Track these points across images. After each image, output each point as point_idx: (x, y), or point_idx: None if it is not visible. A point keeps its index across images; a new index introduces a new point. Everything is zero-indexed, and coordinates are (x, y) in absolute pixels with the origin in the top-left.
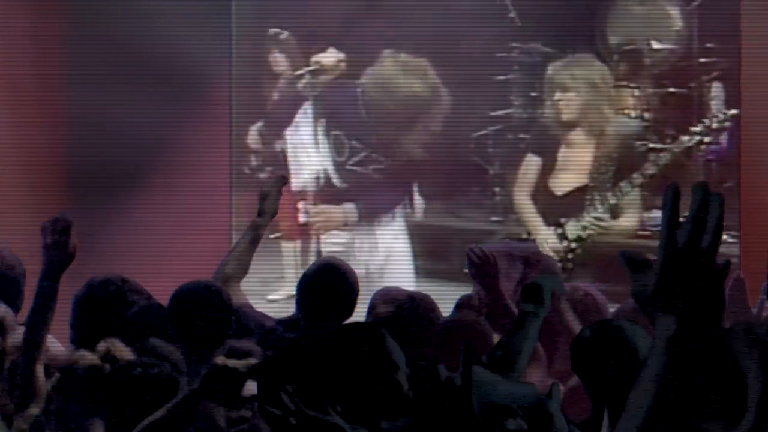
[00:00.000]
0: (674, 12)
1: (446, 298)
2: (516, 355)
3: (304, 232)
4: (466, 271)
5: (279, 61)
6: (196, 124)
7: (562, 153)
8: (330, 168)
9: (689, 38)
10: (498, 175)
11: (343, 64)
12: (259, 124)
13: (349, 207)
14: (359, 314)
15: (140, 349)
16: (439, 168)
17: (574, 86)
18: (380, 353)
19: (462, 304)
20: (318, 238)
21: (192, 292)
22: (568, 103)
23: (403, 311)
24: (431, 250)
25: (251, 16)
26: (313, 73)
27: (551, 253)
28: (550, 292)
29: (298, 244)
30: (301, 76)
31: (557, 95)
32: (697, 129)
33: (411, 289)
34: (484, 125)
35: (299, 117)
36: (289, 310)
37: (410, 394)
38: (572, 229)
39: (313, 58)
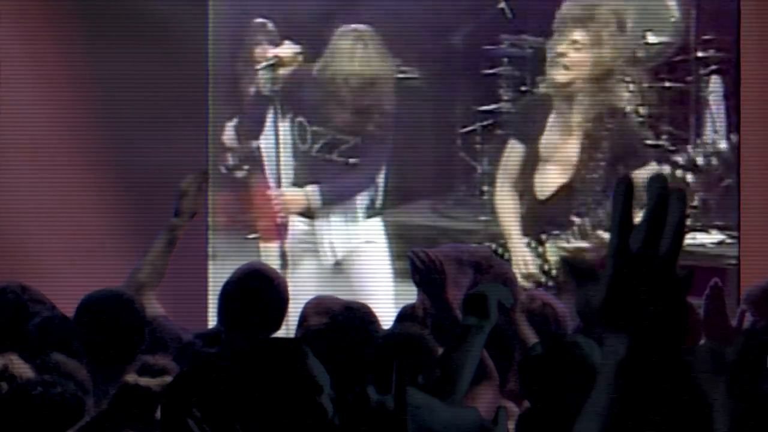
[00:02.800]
0: (671, 3)
1: None
2: (457, 374)
3: (282, 232)
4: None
5: (269, 52)
6: (172, 121)
7: (546, 138)
8: (297, 158)
9: (686, 30)
10: (486, 173)
11: (300, 57)
12: (235, 120)
13: (311, 189)
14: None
15: (41, 366)
16: (405, 150)
17: (603, 21)
18: (301, 373)
19: (405, 315)
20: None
21: (100, 301)
22: (581, 48)
23: (338, 323)
24: None
25: (228, 13)
26: (272, 67)
27: (531, 268)
28: (497, 302)
29: (276, 244)
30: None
31: (576, 34)
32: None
33: (389, 292)
34: (472, 121)
35: (271, 115)
36: None
37: (336, 420)
38: (553, 250)
39: (271, 52)
